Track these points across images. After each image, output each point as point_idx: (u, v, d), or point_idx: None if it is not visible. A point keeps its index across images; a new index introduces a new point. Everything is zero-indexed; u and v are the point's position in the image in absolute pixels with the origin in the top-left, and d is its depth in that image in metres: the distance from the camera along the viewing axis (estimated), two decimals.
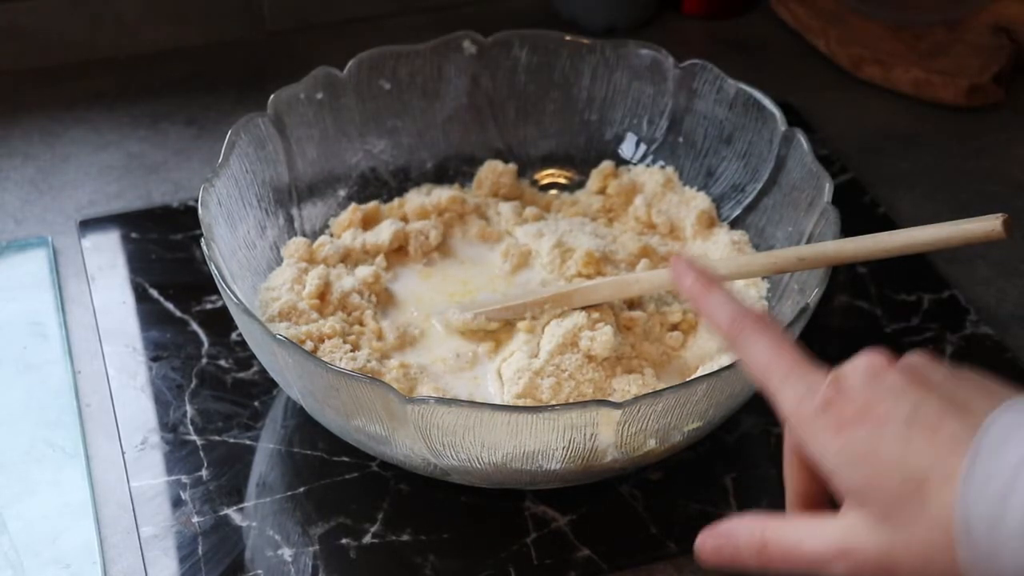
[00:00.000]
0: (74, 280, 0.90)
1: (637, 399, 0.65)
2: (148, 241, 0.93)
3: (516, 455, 0.67)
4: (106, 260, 0.91)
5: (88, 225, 0.94)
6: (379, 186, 0.92)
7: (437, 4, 1.17)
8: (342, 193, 0.90)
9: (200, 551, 0.73)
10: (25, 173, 1.00)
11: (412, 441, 0.67)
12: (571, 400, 0.75)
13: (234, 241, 0.80)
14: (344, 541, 0.74)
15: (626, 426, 0.66)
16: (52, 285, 0.89)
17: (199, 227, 0.75)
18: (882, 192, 0.99)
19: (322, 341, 0.78)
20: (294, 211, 0.87)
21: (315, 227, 0.88)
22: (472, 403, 0.65)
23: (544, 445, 0.66)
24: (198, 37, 1.13)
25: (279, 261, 0.84)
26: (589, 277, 0.82)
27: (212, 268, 0.72)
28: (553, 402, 0.75)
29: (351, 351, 0.78)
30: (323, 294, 0.81)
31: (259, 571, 0.72)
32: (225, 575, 0.72)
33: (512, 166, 0.92)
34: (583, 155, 0.94)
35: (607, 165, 0.92)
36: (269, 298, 0.81)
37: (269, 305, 0.80)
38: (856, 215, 0.95)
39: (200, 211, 0.76)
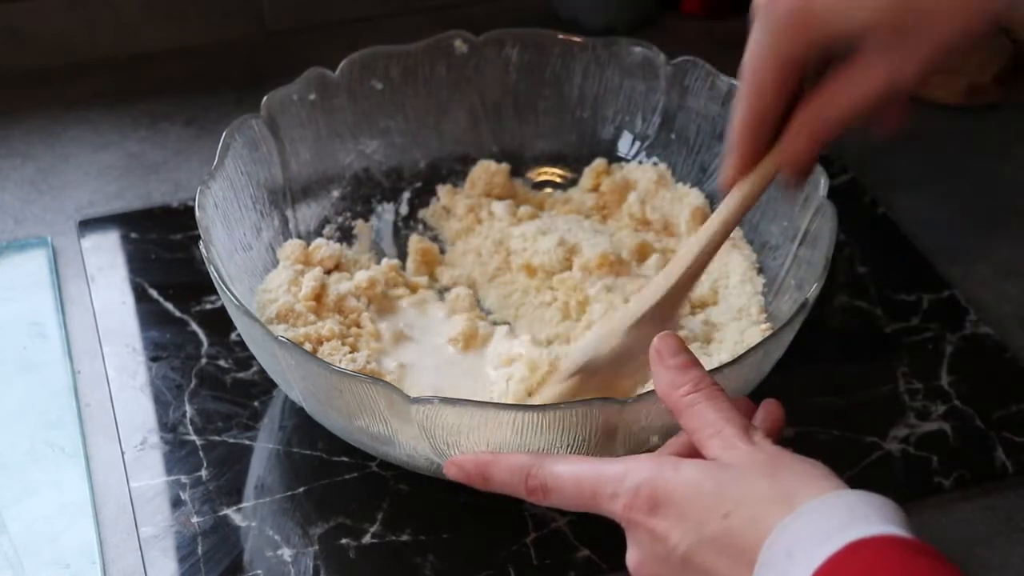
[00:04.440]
0: (74, 280, 0.90)
1: (640, 397, 0.65)
2: (148, 241, 0.93)
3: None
4: (106, 260, 0.91)
5: (88, 225, 0.94)
6: (372, 186, 0.92)
7: (436, 4, 1.17)
8: (336, 194, 0.90)
9: (200, 551, 0.73)
10: (25, 173, 1.00)
11: (416, 441, 0.67)
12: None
13: (231, 243, 0.80)
14: (344, 541, 0.74)
15: (630, 423, 0.66)
16: (52, 285, 0.89)
17: (198, 228, 0.75)
18: (882, 192, 0.99)
19: (320, 343, 0.78)
20: (288, 212, 0.87)
21: (309, 228, 0.88)
22: (477, 402, 0.65)
23: (549, 444, 0.66)
24: (198, 37, 1.13)
25: (275, 263, 0.84)
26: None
27: (211, 271, 0.72)
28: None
29: (350, 352, 0.78)
30: (319, 296, 0.81)
31: (259, 571, 0.72)
32: (225, 575, 0.72)
33: (505, 165, 0.92)
34: (576, 153, 0.94)
35: (600, 163, 0.92)
36: (266, 300, 0.81)
37: (266, 307, 0.80)
38: (856, 215, 0.95)
39: (197, 214, 0.76)
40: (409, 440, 0.68)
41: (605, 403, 0.65)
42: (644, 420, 0.66)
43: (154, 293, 0.89)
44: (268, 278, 0.83)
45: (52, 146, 1.02)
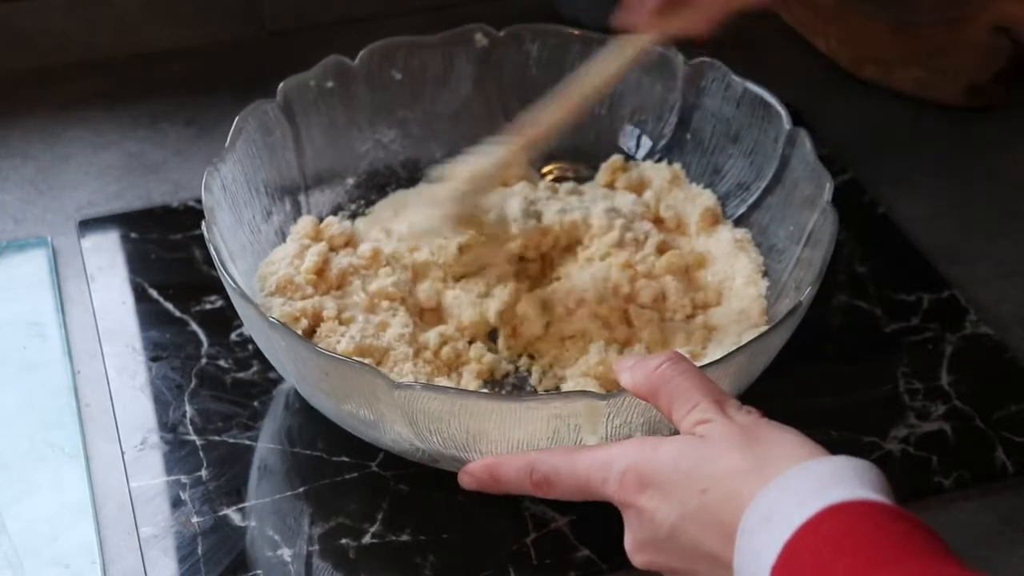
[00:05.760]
0: (74, 280, 0.90)
1: (621, 391, 0.65)
2: (148, 241, 0.93)
3: (502, 444, 0.67)
4: (106, 260, 0.91)
5: (88, 225, 0.94)
6: (388, 175, 0.92)
7: (436, 3, 1.17)
8: (350, 181, 0.91)
9: (200, 551, 0.73)
10: (25, 173, 1.00)
11: (400, 426, 0.68)
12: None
13: (238, 225, 0.80)
14: (344, 541, 0.74)
15: (611, 418, 0.66)
16: (52, 285, 0.89)
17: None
18: (882, 192, 0.99)
19: (319, 322, 0.79)
20: (301, 197, 0.87)
21: (322, 214, 0.89)
22: (458, 390, 0.66)
23: (529, 435, 0.67)
24: (198, 37, 1.13)
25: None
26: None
27: (211, 250, 0.73)
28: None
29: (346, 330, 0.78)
30: (321, 271, 0.81)
31: (259, 571, 0.72)
32: (225, 575, 0.72)
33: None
34: (592, 149, 0.94)
35: (616, 159, 0.93)
36: (268, 272, 0.81)
37: (267, 280, 0.80)
38: (856, 215, 0.95)
39: (203, 194, 0.76)
40: (394, 425, 0.68)
41: (586, 395, 0.65)
42: (626, 414, 0.66)
43: (154, 293, 0.89)
44: (274, 252, 0.83)
45: (52, 146, 1.02)
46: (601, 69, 0.80)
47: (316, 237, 0.85)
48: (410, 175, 0.93)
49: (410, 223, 0.84)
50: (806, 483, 0.54)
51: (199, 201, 0.76)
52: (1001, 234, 0.96)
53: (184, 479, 0.77)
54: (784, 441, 0.58)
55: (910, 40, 1.11)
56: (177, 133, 1.04)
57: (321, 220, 0.87)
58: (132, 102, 1.07)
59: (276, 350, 0.71)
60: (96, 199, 0.98)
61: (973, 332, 0.88)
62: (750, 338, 0.78)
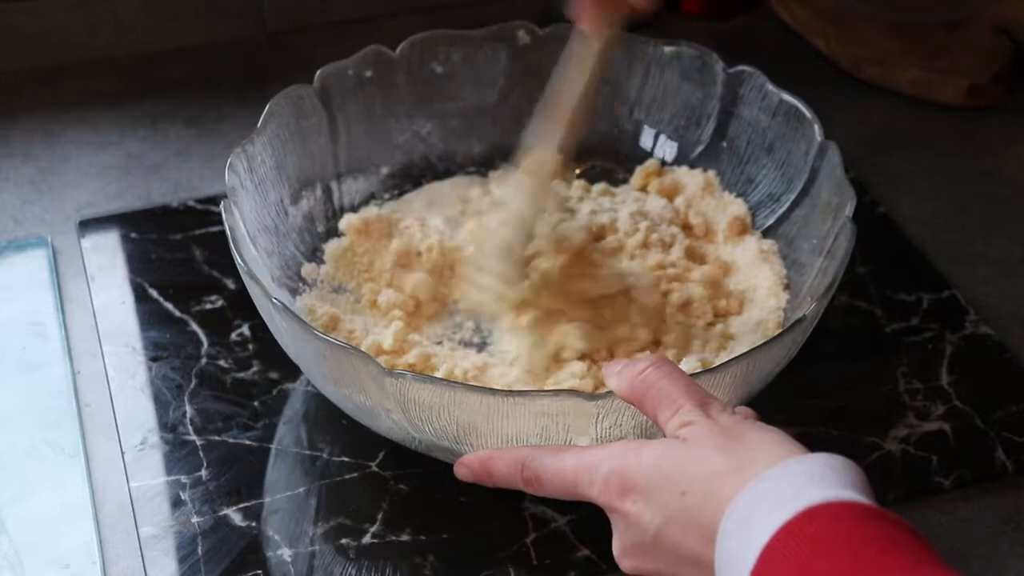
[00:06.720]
0: (74, 280, 0.90)
1: (609, 392, 0.65)
2: (148, 241, 0.93)
3: (492, 439, 0.68)
4: (106, 260, 0.91)
5: (88, 225, 0.94)
6: (424, 167, 0.93)
7: (436, 4, 1.17)
8: (385, 171, 0.91)
9: (200, 551, 0.73)
10: (25, 173, 1.00)
11: (395, 414, 0.68)
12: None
13: (263, 207, 0.81)
14: (344, 541, 0.74)
15: (600, 420, 0.66)
16: (52, 285, 0.89)
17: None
18: (882, 192, 0.99)
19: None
20: (333, 184, 0.88)
21: (354, 201, 0.89)
22: (448, 381, 0.65)
23: (518, 431, 0.67)
24: (198, 37, 1.13)
25: (311, 230, 0.86)
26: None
27: (227, 230, 0.73)
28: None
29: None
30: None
31: (259, 571, 0.72)
32: (225, 575, 0.72)
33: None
34: (629, 152, 0.94)
35: (652, 163, 0.93)
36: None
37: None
38: (856, 215, 0.95)
39: (227, 174, 0.77)
40: (390, 413, 0.69)
41: (574, 395, 0.65)
42: (615, 416, 0.66)
43: (154, 293, 0.89)
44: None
45: (52, 146, 1.02)
46: (578, 74, 0.79)
47: (364, 231, 0.86)
48: (446, 168, 0.93)
49: (465, 299, 0.82)
50: (784, 483, 0.54)
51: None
52: (1001, 234, 0.97)
53: (184, 479, 0.77)
54: (766, 441, 0.57)
55: (910, 40, 1.11)
56: (177, 133, 1.04)
57: (353, 209, 0.88)
58: (132, 102, 1.07)
59: (280, 332, 0.72)
60: (96, 199, 0.98)
61: (973, 332, 0.88)
62: None
